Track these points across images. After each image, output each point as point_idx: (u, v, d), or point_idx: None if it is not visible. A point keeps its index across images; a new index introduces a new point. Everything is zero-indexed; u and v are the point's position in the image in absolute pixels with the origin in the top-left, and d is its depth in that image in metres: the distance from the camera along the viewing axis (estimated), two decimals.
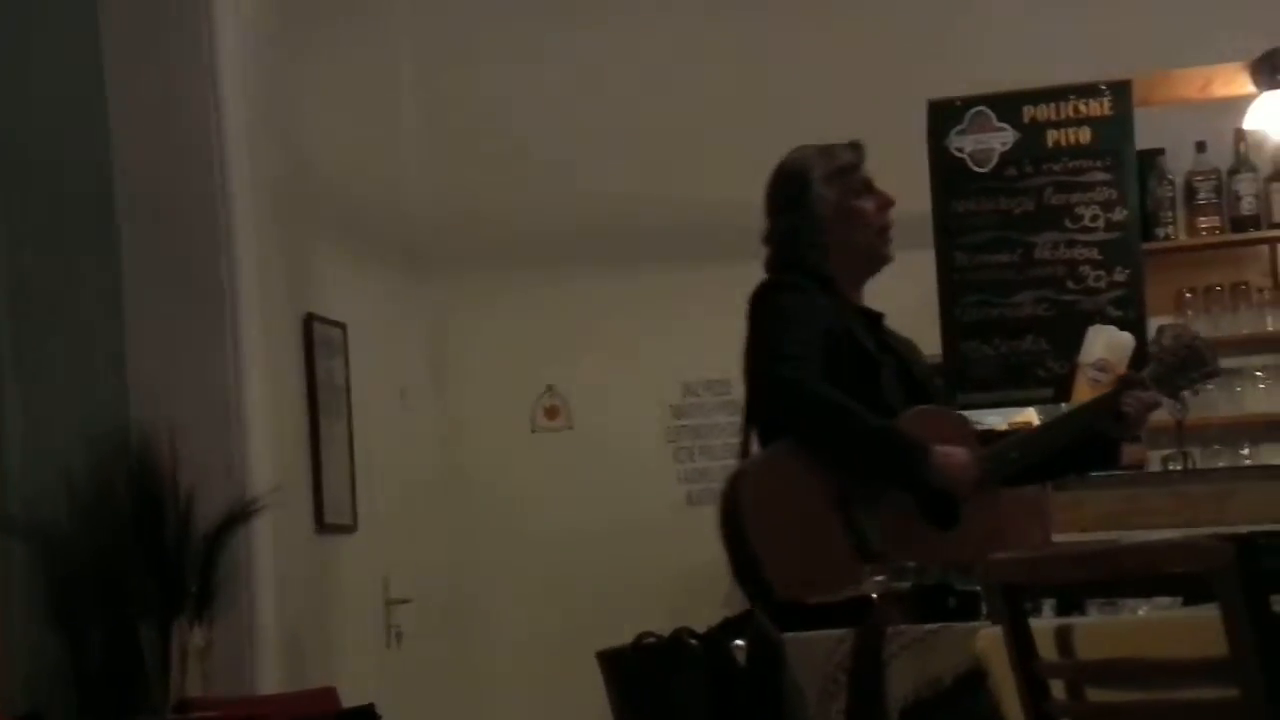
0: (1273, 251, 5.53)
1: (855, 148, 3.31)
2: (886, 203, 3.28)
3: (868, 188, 3.27)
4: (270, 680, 4.54)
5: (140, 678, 4.36)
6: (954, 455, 3.07)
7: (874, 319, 3.30)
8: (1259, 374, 5.48)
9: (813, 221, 3.25)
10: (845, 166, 3.27)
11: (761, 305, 3.23)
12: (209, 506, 4.39)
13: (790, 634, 2.96)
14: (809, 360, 3.10)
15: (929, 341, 4.59)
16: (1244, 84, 4.78)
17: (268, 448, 4.66)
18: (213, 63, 4.61)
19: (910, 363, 3.28)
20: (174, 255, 4.63)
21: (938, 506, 3.10)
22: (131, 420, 4.52)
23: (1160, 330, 3.38)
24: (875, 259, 3.29)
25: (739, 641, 2.97)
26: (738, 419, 6.07)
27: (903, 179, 4.75)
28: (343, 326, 5.35)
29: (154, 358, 4.59)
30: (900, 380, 3.21)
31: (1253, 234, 5.51)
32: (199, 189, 4.61)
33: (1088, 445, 3.22)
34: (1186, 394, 3.29)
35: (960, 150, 4.52)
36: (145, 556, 4.40)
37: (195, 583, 4.38)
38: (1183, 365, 3.19)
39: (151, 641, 4.38)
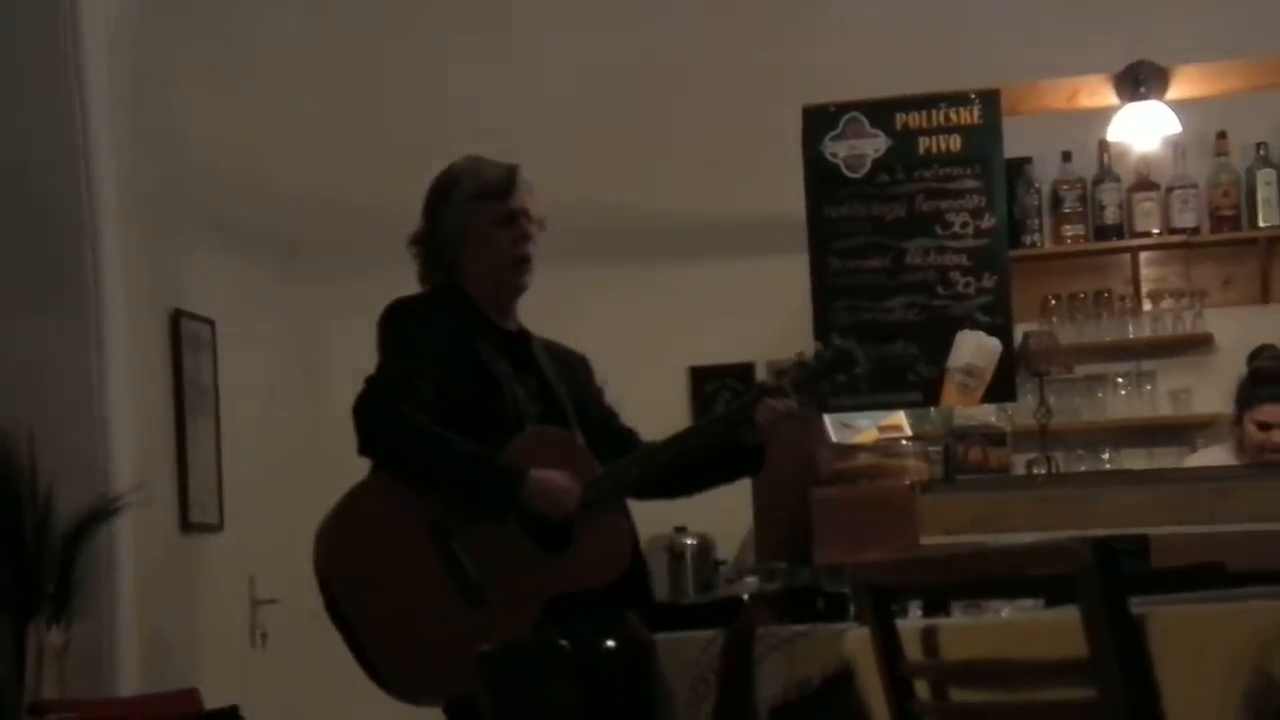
0: (1134, 260, 5.67)
1: (510, 171, 3.19)
2: (523, 236, 3.17)
3: (509, 216, 3.16)
4: (130, 682, 4.45)
5: None
6: (548, 480, 3.00)
7: (516, 339, 3.22)
8: (1120, 380, 5.61)
9: (444, 238, 3.17)
10: (491, 190, 3.16)
11: (379, 328, 3.15)
12: (69, 504, 4.30)
13: (661, 635, 2.96)
14: (409, 388, 3.02)
15: (803, 345, 4.63)
16: (1108, 95, 4.89)
17: (131, 445, 4.57)
18: (76, 50, 4.51)
19: (556, 384, 3.20)
20: (35, 246, 4.52)
21: (549, 529, 3.04)
22: None
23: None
24: (507, 288, 3.20)
25: (610, 643, 2.97)
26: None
27: (778, 183, 4.82)
28: (211, 323, 5.26)
29: (12, 351, 4.48)
30: (538, 402, 3.14)
31: (1115, 243, 5.65)
32: (61, 179, 4.51)
33: (726, 453, 3.19)
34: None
35: (834, 156, 4.55)
36: (1, 554, 4.29)
37: (53, 582, 4.29)
38: (826, 369, 3.20)
39: (6, 642, 4.27)
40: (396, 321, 3.15)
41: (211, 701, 4.19)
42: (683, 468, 3.19)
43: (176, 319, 5.04)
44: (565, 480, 3.02)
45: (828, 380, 3.21)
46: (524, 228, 3.17)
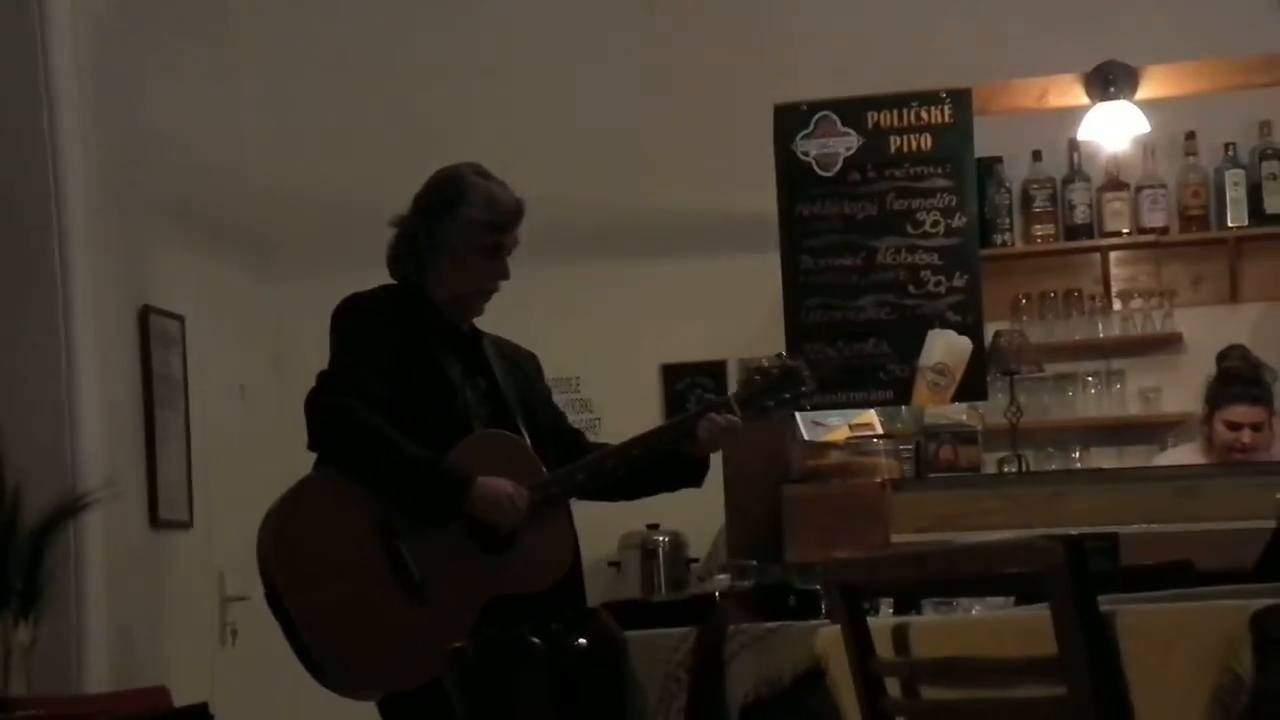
0: (1104, 260, 5.70)
1: (519, 205, 3.21)
2: (501, 274, 3.20)
3: (498, 249, 3.18)
4: (99, 679, 4.43)
5: None
6: (494, 486, 3.02)
7: (468, 339, 3.23)
8: (1090, 379, 5.64)
9: (433, 245, 3.17)
10: (495, 223, 3.17)
11: (333, 324, 3.17)
12: (37, 500, 4.27)
13: (633, 632, 2.97)
14: (361, 385, 3.04)
15: (775, 344, 4.64)
16: (1079, 95, 4.91)
17: (100, 441, 4.55)
18: (44, 42, 4.48)
19: (506, 385, 3.21)
20: (2, 242, 4.49)
21: (493, 530, 3.06)
22: None
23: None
24: (465, 309, 3.22)
25: (581, 639, 2.97)
26: (585, 416, 6.07)
27: (750, 182, 4.83)
28: (180, 319, 5.24)
29: None
30: (488, 403, 3.16)
31: (1085, 242, 5.67)
32: (29, 173, 4.48)
33: (670, 463, 3.23)
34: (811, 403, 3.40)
35: (806, 154, 4.56)
36: None
37: (21, 578, 4.26)
38: (773, 387, 3.24)
39: None
40: (350, 317, 3.16)
41: (181, 699, 4.17)
42: (626, 475, 3.21)
43: (145, 315, 5.01)
44: (512, 488, 3.03)
45: (774, 397, 3.25)
46: (503, 265, 3.19)
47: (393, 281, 3.26)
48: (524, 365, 3.34)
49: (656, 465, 3.23)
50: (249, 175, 5.66)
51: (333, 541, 3.01)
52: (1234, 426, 4.59)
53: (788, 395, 3.25)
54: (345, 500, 3.01)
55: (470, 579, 3.01)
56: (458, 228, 3.16)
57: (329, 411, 3.04)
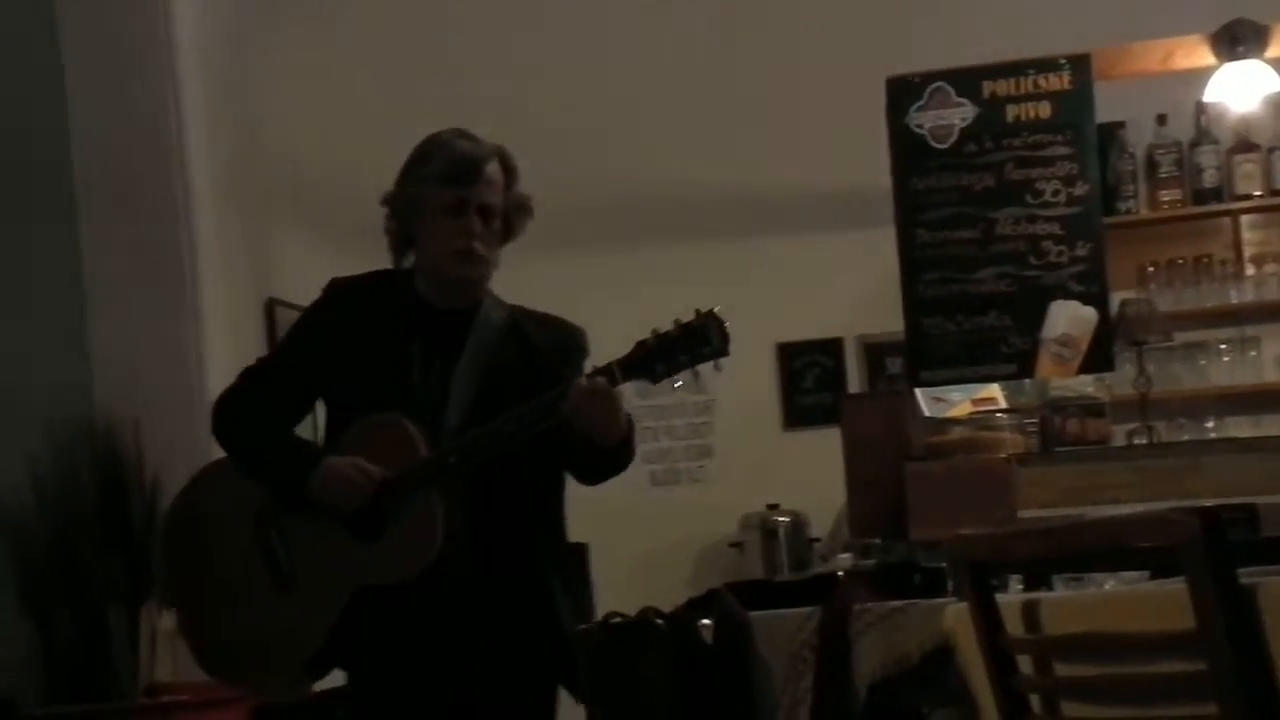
0: (1235, 224, 5.56)
1: (478, 158, 2.99)
2: (467, 231, 2.97)
3: (458, 206, 2.97)
4: None
5: (109, 662, 4.34)
6: (335, 468, 2.87)
7: (447, 316, 3.02)
8: (1222, 347, 5.51)
9: (401, 211, 3.07)
10: (450, 174, 2.99)
11: None
12: (174, 490, 4.36)
13: (757, 612, 2.96)
14: (268, 378, 3.03)
15: (893, 319, 4.60)
16: (1204, 56, 4.78)
17: None
18: (169, 39, 4.58)
19: (467, 367, 2.98)
20: (134, 237, 4.60)
21: (372, 520, 2.91)
22: (95, 405, 4.50)
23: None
24: (449, 278, 3.03)
25: (705, 621, 2.97)
26: (700, 397, 6.01)
27: (865, 155, 4.78)
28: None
29: (116, 342, 4.57)
30: (432, 385, 2.97)
31: (1215, 206, 5.54)
32: (157, 171, 4.59)
33: (561, 438, 2.89)
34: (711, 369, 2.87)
35: (920, 127, 4.50)
36: (111, 541, 4.38)
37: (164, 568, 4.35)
38: (667, 349, 2.86)
39: (120, 626, 4.36)
40: (309, 308, 3.15)
41: (321, 682, 4.23)
42: (507, 451, 2.91)
43: (271, 307, 5.10)
44: (352, 470, 2.88)
45: (666, 360, 2.87)
46: (469, 222, 2.98)
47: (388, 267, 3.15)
48: (542, 345, 3.06)
49: (560, 438, 2.90)
50: (367, 170, 5.71)
51: (215, 531, 3.02)
52: None
53: (684, 358, 2.86)
54: (235, 488, 3.00)
55: (336, 568, 2.91)
56: (418, 188, 3.02)
57: (222, 400, 3.06)
